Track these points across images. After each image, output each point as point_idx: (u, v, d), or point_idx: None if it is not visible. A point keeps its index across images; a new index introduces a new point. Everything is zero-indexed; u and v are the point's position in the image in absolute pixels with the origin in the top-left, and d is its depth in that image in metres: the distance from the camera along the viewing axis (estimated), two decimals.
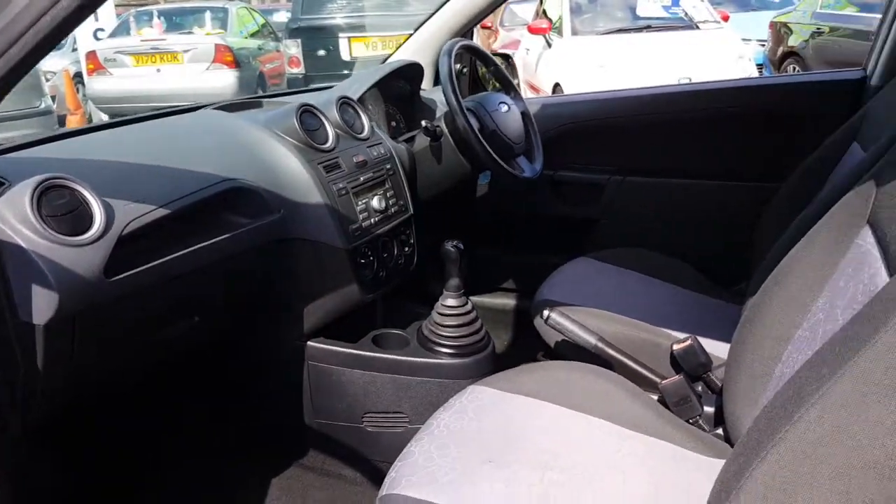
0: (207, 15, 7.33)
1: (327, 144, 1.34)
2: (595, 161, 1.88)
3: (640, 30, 5.92)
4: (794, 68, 6.18)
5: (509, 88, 1.73)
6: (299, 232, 1.28)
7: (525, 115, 1.70)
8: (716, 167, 1.78)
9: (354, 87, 1.60)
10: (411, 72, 1.78)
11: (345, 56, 6.15)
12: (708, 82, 1.99)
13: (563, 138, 1.86)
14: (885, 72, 1.55)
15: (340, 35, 6.12)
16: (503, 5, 6.71)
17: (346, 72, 6.22)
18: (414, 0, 7.21)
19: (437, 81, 1.90)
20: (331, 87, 1.72)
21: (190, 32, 7.38)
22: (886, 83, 1.48)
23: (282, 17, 10.93)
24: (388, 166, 1.45)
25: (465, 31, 1.87)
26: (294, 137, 1.29)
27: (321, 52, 6.17)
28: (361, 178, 1.37)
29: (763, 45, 6.98)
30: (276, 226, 1.23)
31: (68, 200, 0.93)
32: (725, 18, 6.24)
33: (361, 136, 1.43)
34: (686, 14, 6.01)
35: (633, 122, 1.85)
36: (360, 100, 1.54)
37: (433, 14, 1.90)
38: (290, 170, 1.26)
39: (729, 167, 1.76)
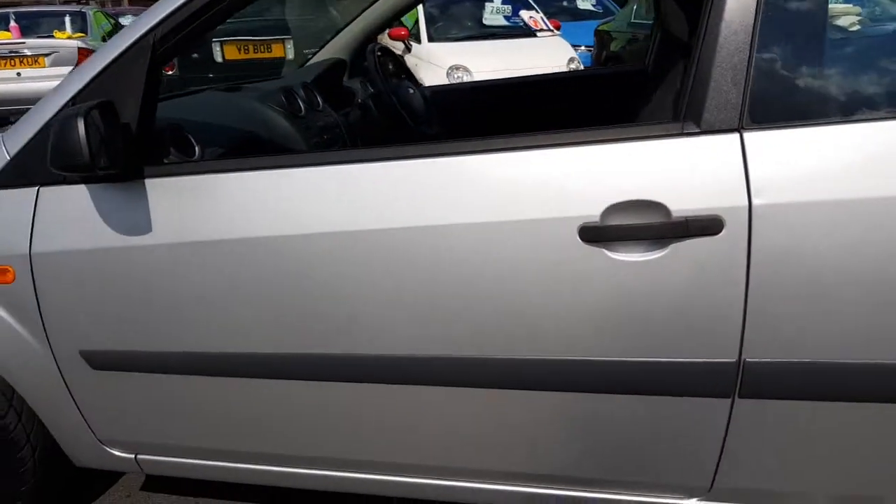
0: (67, 19, 7.31)
1: (301, 113, 1.94)
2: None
3: (486, 37, 6.81)
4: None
5: (412, 79, 2.40)
6: None
7: (424, 95, 2.38)
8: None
9: (304, 76, 2.19)
10: (338, 66, 2.40)
11: (217, 59, 6.50)
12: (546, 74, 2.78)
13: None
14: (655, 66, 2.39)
15: (213, 39, 6.46)
16: None
17: (219, 74, 6.56)
18: (278, 7, 7.66)
19: (352, 74, 2.53)
20: (279, 79, 2.30)
21: (49, 36, 7.31)
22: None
23: (128, 21, 10.92)
24: (337, 130, 2.07)
25: (373, 36, 2.52)
26: (281, 107, 1.88)
27: (195, 56, 6.48)
28: (324, 137, 1.97)
29: (590, 50, 8.16)
30: None
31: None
32: (557, 27, 7.30)
33: (318, 109, 2.04)
34: (524, 23, 6.99)
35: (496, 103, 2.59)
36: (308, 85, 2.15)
37: (346, 24, 2.53)
38: (282, 128, 1.85)
39: None
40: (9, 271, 1.48)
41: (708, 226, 1.12)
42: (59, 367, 1.52)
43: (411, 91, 2.27)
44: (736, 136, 1.13)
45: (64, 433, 1.60)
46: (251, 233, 1.33)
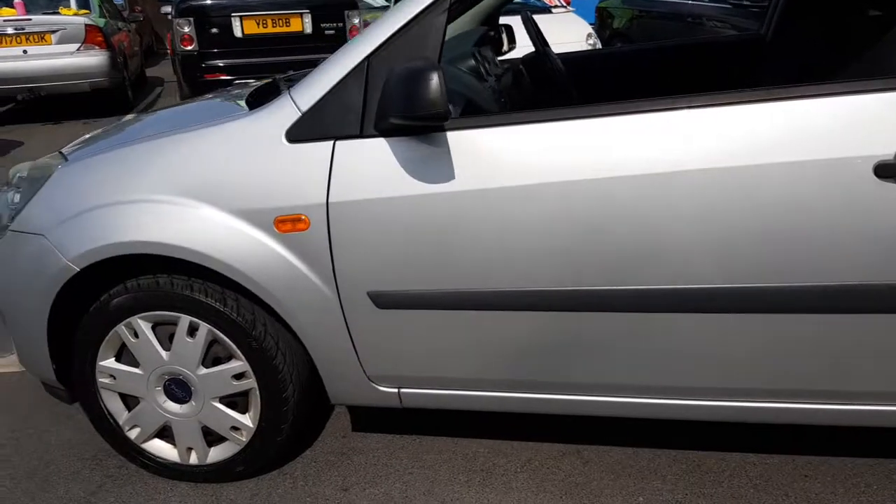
0: None
1: (485, 77, 2.09)
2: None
3: (507, 13, 6.94)
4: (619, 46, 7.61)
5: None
6: None
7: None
8: None
9: (465, 44, 2.33)
10: (486, 36, 2.56)
11: (237, 34, 6.45)
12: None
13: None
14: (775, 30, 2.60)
15: (232, 14, 6.40)
16: None
17: (238, 49, 6.53)
18: None
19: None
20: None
21: (55, 12, 7.10)
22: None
23: None
24: (512, 92, 2.23)
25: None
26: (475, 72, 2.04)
27: (214, 31, 6.41)
28: (501, 100, 2.15)
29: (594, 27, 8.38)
30: None
31: None
32: (568, 3, 7.49)
33: (493, 74, 2.20)
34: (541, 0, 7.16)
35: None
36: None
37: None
38: (484, 90, 2.01)
39: None
40: (304, 220, 1.60)
41: None
42: (342, 308, 1.65)
43: (556, 58, 2.43)
44: None
45: (333, 370, 1.73)
46: (554, 178, 1.48)
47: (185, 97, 6.99)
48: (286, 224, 1.61)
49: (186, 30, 6.39)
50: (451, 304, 1.60)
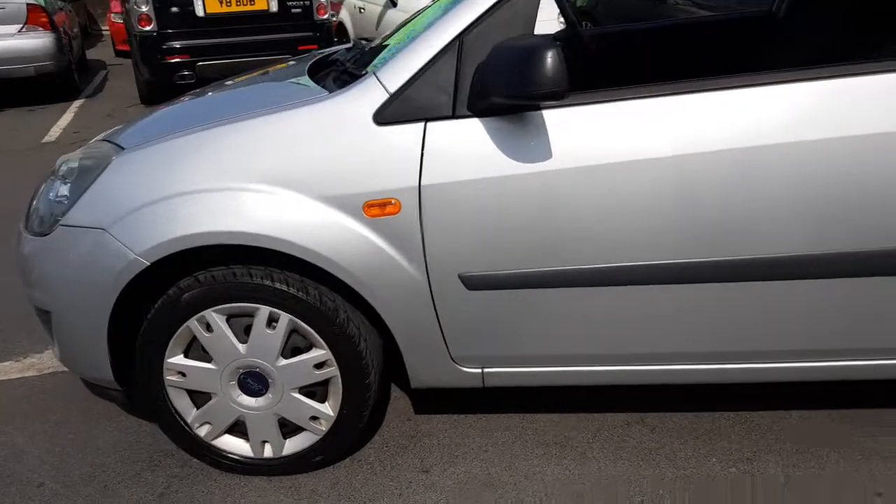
0: None
1: None
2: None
3: None
4: (587, 24, 7.66)
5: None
6: None
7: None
8: None
9: None
10: None
11: (199, 13, 6.17)
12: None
13: None
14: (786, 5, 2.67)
15: None
16: None
17: (200, 29, 6.26)
18: None
19: None
20: None
21: None
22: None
23: None
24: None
25: None
26: None
27: (174, 9, 6.12)
28: None
29: None
30: None
31: None
32: None
33: None
34: None
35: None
36: None
37: None
38: None
39: None
40: (395, 204, 1.57)
41: None
42: (431, 291, 1.63)
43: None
44: None
45: (418, 353, 1.72)
46: (650, 154, 1.50)
47: (146, 82, 6.68)
48: (375, 209, 1.57)
49: (144, 9, 6.09)
50: (544, 283, 1.61)
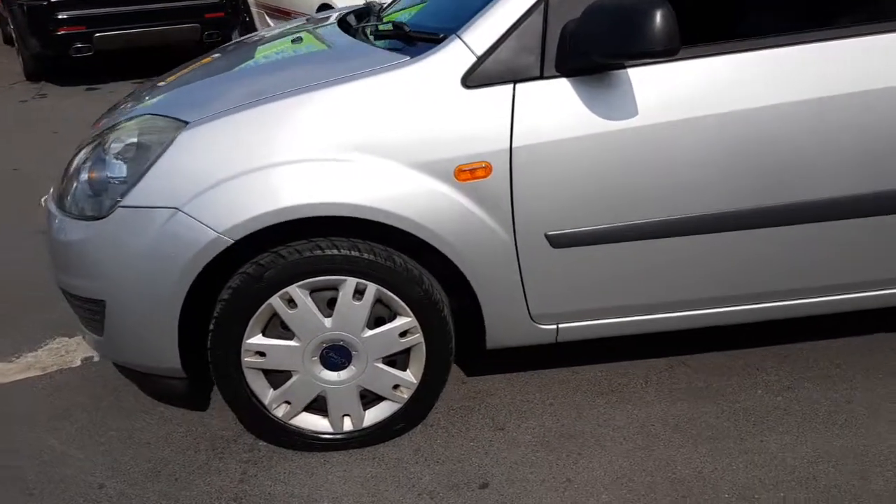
0: None
1: None
2: None
3: None
4: None
5: None
6: None
7: None
8: None
9: None
10: None
11: None
12: None
13: None
14: None
15: None
16: None
17: None
18: None
19: None
20: None
21: None
22: None
23: None
24: None
25: None
26: None
27: None
28: None
29: None
30: None
31: None
32: None
33: None
34: None
35: None
36: None
37: None
38: None
39: None
40: (486, 167, 1.58)
41: None
42: (517, 251, 1.66)
43: None
44: None
45: (498, 312, 1.75)
46: (739, 106, 1.59)
47: (34, 56, 6.14)
48: (465, 173, 1.58)
49: None
50: (629, 236, 1.68)
